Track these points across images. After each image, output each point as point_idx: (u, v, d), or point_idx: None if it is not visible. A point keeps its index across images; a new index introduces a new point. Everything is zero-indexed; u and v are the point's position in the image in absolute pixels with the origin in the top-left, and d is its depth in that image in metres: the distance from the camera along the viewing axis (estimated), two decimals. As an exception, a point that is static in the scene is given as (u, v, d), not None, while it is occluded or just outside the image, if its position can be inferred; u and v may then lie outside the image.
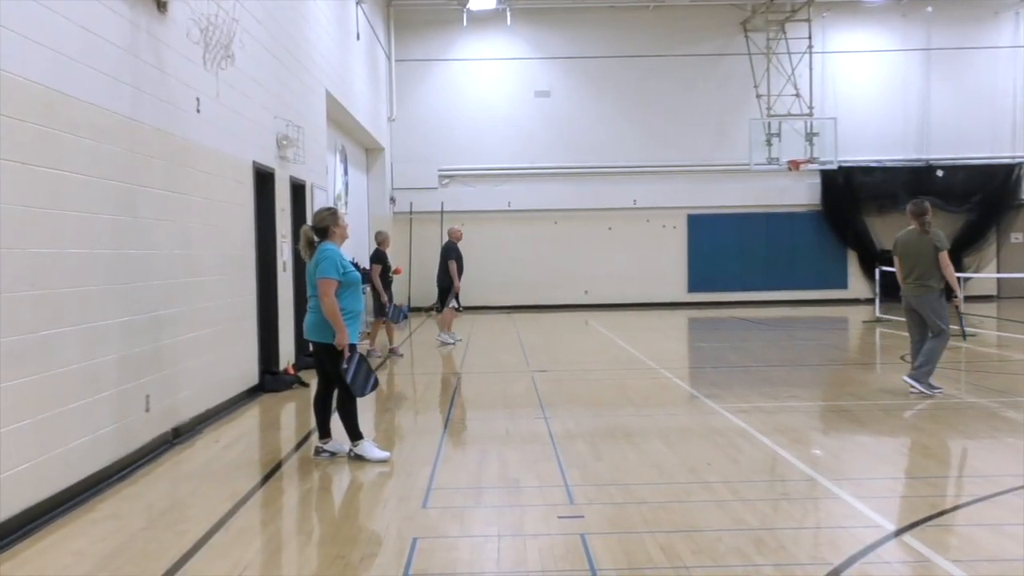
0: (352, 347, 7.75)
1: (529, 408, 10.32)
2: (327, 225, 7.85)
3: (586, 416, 9.85)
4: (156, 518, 6.40)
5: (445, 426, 9.61)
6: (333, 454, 7.92)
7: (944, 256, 10.31)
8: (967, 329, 10.66)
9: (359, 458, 7.74)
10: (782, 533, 5.68)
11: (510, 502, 6.54)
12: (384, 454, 7.81)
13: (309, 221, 14.64)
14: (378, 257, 15.50)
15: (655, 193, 26.10)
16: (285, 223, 13.21)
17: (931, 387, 10.34)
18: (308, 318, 7.88)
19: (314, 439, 8.19)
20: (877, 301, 20.88)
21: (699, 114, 25.99)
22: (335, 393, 7.95)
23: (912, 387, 10.36)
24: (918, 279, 10.40)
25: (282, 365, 12.57)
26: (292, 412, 10.79)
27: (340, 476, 7.49)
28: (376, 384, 7.98)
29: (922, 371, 10.37)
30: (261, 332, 11.83)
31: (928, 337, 10.41)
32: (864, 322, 20.40)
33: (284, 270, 13.09)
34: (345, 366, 7.65)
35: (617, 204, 26.09)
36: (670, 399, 11.02)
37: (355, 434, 7.81)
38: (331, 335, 7.65)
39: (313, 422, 8.29)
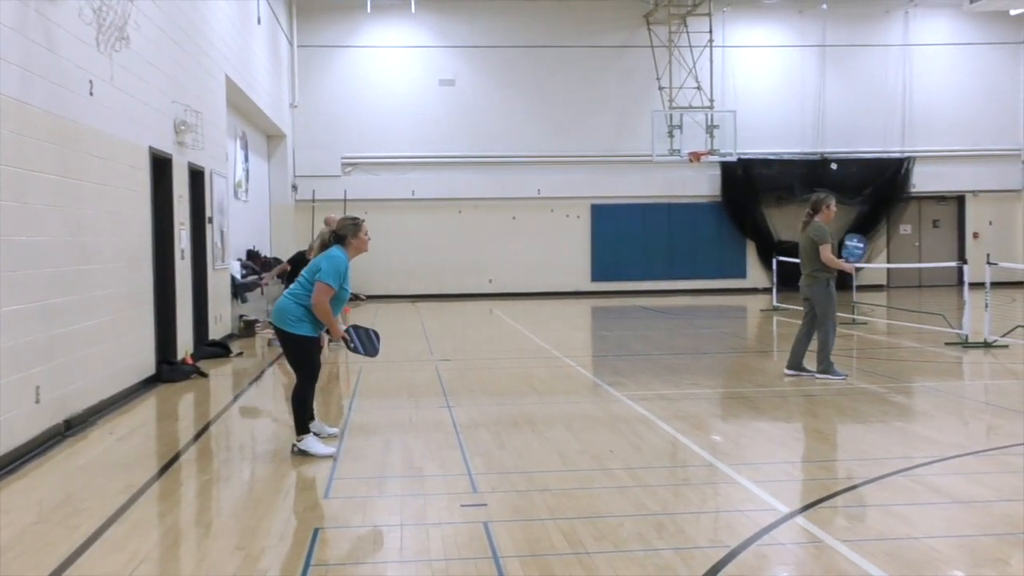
0: (347, 331, 7.73)
1: (433, 397, 10.30)
2: (345, 234, 7.72)
3: (490, 405, 9.88)
4: (47, 512, 6.20)
5: (347, 415, 9.53)
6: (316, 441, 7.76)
7: (823, 249, 10.64)
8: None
9: (303, 454, 7.49)
10: (682, 518, 5.79)
11: (413, 491, 6.52)
12: (330, 450, 7.59)
13: (208, 210, 14.48)
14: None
15: (559, 183, 26.28)
16: (183, 210, 12.93)
17: (837, 373, 10.74)
18: (279, 301, 7.73)
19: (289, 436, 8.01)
20: (774, 290, 21.39)
21: (602, 105, 26.24)
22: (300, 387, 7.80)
23: (819, 378, 10.72)
24: (807, 271, 10.86)
25: (180, 355, 12.31)
26: (190, 403, 10.57)
27: (240, 467, 7.37)
28: (378, 336, 7.98)
29: (824, 363, 10.76)
30: (158, 321, 11.57)
31: (817, 328, 10.83)
32: (762, 311, 20.88)
33: (182, 258, 12.82)
34: (353, 344, 7.73)
35: (521, 193, 26.20)
36: (574, 387, 11.12)
37: (303, 428, 7.62)
38: (290, 324, 7.51)
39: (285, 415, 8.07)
